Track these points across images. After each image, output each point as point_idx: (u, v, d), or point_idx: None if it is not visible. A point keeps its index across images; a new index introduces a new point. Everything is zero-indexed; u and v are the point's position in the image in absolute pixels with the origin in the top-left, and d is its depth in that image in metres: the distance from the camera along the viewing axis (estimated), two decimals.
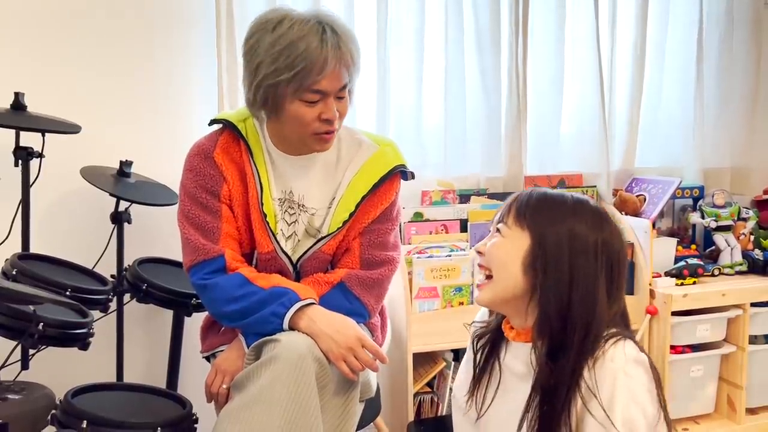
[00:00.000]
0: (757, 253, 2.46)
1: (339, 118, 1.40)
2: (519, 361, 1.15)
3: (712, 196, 2.53)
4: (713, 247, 2.51)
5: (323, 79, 1.33)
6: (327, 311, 1.38)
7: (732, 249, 2.46)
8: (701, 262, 2.38)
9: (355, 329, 1.37)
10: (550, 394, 1.04)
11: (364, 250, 1.48)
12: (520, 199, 1.15)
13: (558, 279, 1.05)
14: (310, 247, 1.48)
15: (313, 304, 1.39)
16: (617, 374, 1.01)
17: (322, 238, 1.47)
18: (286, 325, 1.35)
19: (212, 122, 1.51)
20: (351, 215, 1.46)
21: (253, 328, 1.38)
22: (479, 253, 1.17)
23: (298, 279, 1.48)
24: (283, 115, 1.38)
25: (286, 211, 1.48)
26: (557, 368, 1.04)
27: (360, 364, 1.33)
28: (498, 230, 1.14)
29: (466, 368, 1.30)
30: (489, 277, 1.14)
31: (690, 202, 2.61)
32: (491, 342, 1.22)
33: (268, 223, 1.44)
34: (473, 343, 1.26)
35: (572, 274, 1.05)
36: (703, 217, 2.50)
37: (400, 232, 2.08)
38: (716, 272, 2.41)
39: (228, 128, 1.47)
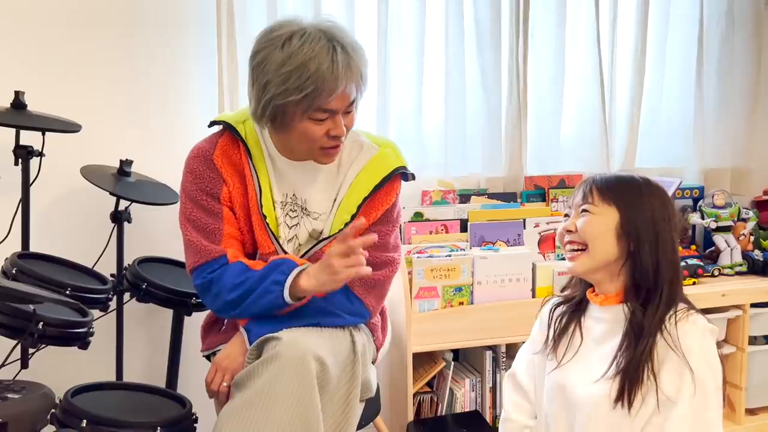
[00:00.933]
0: (757, 254, 2.47)
1: (345, 131, 1.40)
2: (600, 324, 1.31)
3: (712, 197, 2.53)
4: (713, 248, 2.51)
5: (333, 99, 1.33)
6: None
7: (732, 250, 2.46)
8: (701, 263, 2.38)
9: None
10: (639, 337, 1.22)
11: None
12: (597, 181, 1.31)
13: (648, 243, 1.25)
14: (311, 248, 1.48)
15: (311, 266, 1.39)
16: (698, 335, 1.21)
17: (324, 239, 1.47)
18: (287, 291, 1.35)
19: (212, 124, 1.51)
20: (353, 217, 1.46)
21: (256, 305, 1.37)
22: (569, 231, 1.31)
23: None
24: (290, 131, 1.38)
25: (287, 214, 1.48)
26: (647, 317, 1.23)
27: (357, 261, 1.31)
28: (586, 210, 1.29)
29: (531, 342, 1.45)
30: (580, 250, 1.30)
31: (690, 202, 2.61)
32: (571, 310, 1.38)
33: (268, 225, 1.44)
34: (551, 312, 1.41)
35: (657, 238, 1.25)
36: (703, 218, 2.50)
37: (400, 232, 2.08)
38: (716, 273, 2.41)
39: (228, 130, 1.47)
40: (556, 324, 1.38)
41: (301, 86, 1.29)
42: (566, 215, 1.36)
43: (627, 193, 1.28)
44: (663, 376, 1.20)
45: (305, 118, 1.35)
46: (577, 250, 1.30)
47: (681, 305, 1.26)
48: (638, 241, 1.25)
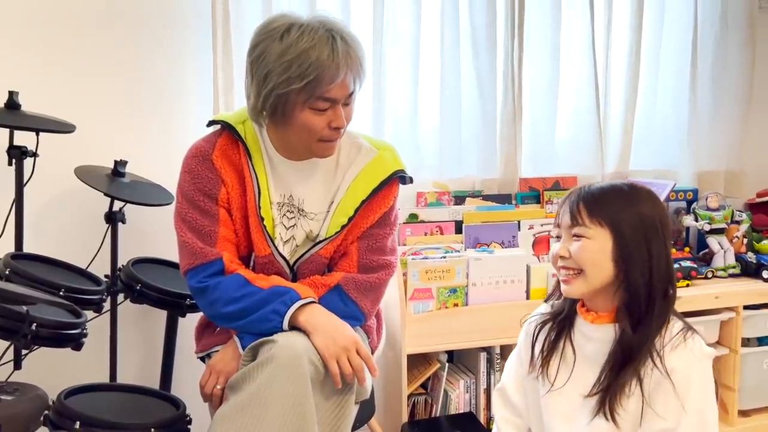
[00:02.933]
0: (750, 256, 2.48)
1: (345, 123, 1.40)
2: (592, 342, 1.27)
3: (706, 199, 2.54)
4: (707, 250, 2.52)
5: (334, 87, 1.33)
6: (327, 311, 1.38)
7: (725, 252, 2.47)
8: (695, 265, 2.39)
9: (353, 332, 1.37)
10: (626, 359, 1.20)
11: (362, 255, 1.48)
12: (583, 198, 1.25)
13: (641, 261, 1.20)
14: (308, 251, 1.48)
15: (314, 302, 1.39)
16: (696, 363, 1.19)
17: (320, 241, 1.47)
18: (286, 323, 1.35)
19: (210, 123, 1.51)
20: (350, 220, 1.46)
21: (253, 327, 1.37)
22: (562, 257, 1.26)
23: (294, 282, 1.48)
24: (291, 123, 1.38)
25: (284, 215, 1.48)
26: (637, 337, 1.20)
27: (350, 369, 1.32)
28: (578, 234, 1.24)
29: (518, 358, 1.42)
30: (576, 273, 1.25)
31: (684, 205, 2.62)
32: (559, 327, 1.33)
33: (265, 227, 1.44)
34: (536, 331, 1.36)
35: (650, 253, 1.21)
36: (696, 220, 2.51)
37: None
38: (709, 275, 2.42)
39: (227, 130, 1.47)
40: (544, 345, 1.34)
41: (302, 74, 1.30)
42: (558, 237, 1.30)
43: (616, 210, 1.22)
44: (656, 397, 1.18)
45: (306, 108, 1.35)
46: (572, 273, 1.25)
47: (676, 323, 1.23)
48: (631, 259, 1.20)
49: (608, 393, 1.20)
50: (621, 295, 1.23)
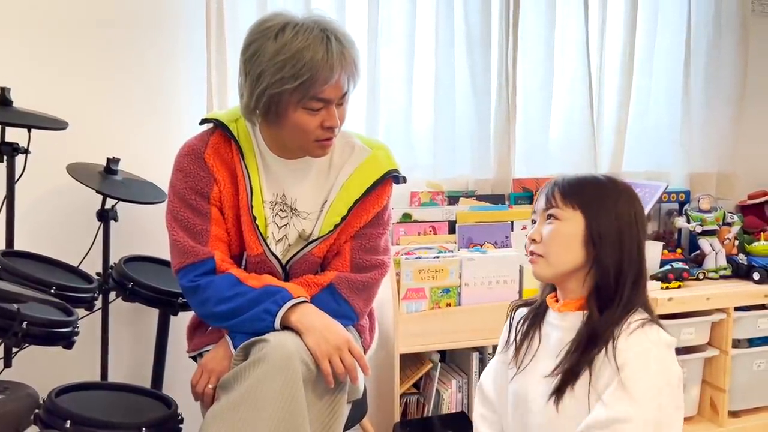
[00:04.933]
0: (741, 258, 2.49)
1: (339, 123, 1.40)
2: (555, 330, 1.28)
3: (698, 201, 2.55)
4: (698, 252, 2.53)
5: (328, 87, 1.33)
6: (319, 310, 1.38)
7: (717, 253, 2.49)
8: (686, 266, 2.40)
9: (346, 331, 1.37)
10: (589, 342, 1.19)
11: (355, 254, 1.48)
12: (559, 184, 1.27)
13: (610, 244, 1.21)
14: (300, 250, 1.47)
15: (306, 302, 1.38)
16: (642, 348, 1.16)
17: (313, 241, 1.47)
18: (277, 322, 1.34)
19: (203, 121, 1.50)
20: (343, 219, 1.45)
21: (244, 326, 1.37)
22: (533, 240, 1.27)
23: (287, 281, 1.48)
24: (284, 123, 1.37)
25: (277, 214, 1.47)
26: (602, 322, 1.20)
27: (342, 368, 1.32)
28: (551, 215, 1.26)
29: (498, 351, 1.42)
30: (539, 256, 1.26)
31: (676, 206, 2.63)
32: (532, 315, 1.35)
33: (257, 226, 1.44)
34: (511, 315, 1.40)
35: (621, 238, 1.22)
36: (688, 222, 2.52)
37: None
38: (701, 276, 2.44)
39: (219, 128, 1.46)
40: (518, 328, 1.36)
41: (296, 74, 1.29)
42: (533, 221, 1.32)
43: (591, 197, 1.24)
44: (603, 384, 1.16)
45: (299, 108, 1.34)
46: (536, 256, 1.27)
47: (640, 315, 1.21)
48: (601, 243, 1.21)
49: (568, 375, 1.19)
50: (591, 281, 1.24)
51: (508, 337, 1.38)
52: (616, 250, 1.21)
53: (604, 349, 1.17)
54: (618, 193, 1.25)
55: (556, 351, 1.25)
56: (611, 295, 1.21)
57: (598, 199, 1.24)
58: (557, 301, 1.31)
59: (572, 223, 1.24)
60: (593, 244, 1.22)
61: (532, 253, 1.28)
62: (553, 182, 1.29)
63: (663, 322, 1.25)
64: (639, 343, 1.16)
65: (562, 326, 1.27)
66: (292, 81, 1.30)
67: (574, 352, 1.21)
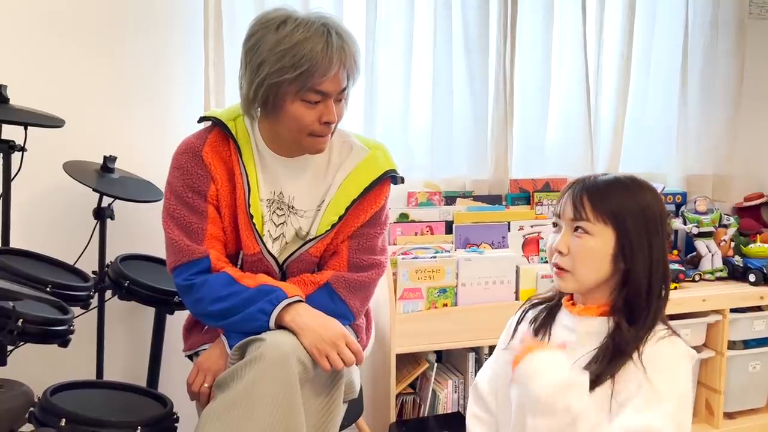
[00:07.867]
0: (737, 260, 2.50)
1: (336, 119, 1.40)
2: (570, 333, 1.25)
3: (694, 203, 2.56)
4: (694, 253, 2.54)
5: (327, 80, 1.33)
6: (313, 309, 1.38)
7: (713, 255, 2.49)
8: (682, 268, 2.41)
9: (341, 326, 1.37)
10: (616, 353, 1.17)
11: (352, 254, 1.48)
12: (588, 190, 1.21)
13: (642, 259, 1.19)
14: (297, 249, 1.47)
15: (300, 301, 1.38)
16: (680, 362, 1.17)
17: (310, 240, 1.47)
18: (272, 322, 1.34)
19: (201, 119, 1.50)
20: (340, 218, 1.45)
21: (239, 326, 1.37)
22: (560, 252, 1.23)
23: (284, 280, 1.48)
24: (282, 115, 1.38)
25: (274, 212, 1.47)
26: (633, 331, 1.18)
27: (341, 364, 1.32)
28: (580, 228, 1.21)
29: (497, 350, 1.40)
30: (567, 271, 1.22)
31: (672, 208, 2.63)
32: (544, 314, 1.32)
33: (254, 225, 1.43)
34: (524, 310, 1.36)
35: (651, 251, 1.20)
36: (685, 223, 2.53)
37: None
38: (697, 278, 2.44)
39: (218, 126, 1.46)
40: (537, 319, 1.32)
41: (296, 64, 1.30)
42: (555, 224, 1.27)
43: (620, 205, 1.20)
44: (629, 392, 1.15)
45: (297, 100, 1.35)
46: (564, 271, 1.23)
47: (661, 327, 1.21)
48: (633, 257, 1.19)
49: (592, 384, 1.16)
50: (620, 292, 1.21)
51: (513, 335, 1.35)
52: (646, 262, 1.19)
53: (630, 358, 1.16)
54: (644, 194, 1.22)
55: (570, 354, 1.21)
56: (642, 306, 1.20)
57: (629, 210, 1.20)
58: (573, 303, 1.28)
59: (603, 239, 1.20)
60: (624, 260, 1.20)
61: (557, 266, 1.24)
62: (581, 186, 1.23)
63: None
64: (669, 354, 1.17)
65: (577, 330, 1.24)
66: (292, 71, 1.31)
67: (600, 362, 1.18)
